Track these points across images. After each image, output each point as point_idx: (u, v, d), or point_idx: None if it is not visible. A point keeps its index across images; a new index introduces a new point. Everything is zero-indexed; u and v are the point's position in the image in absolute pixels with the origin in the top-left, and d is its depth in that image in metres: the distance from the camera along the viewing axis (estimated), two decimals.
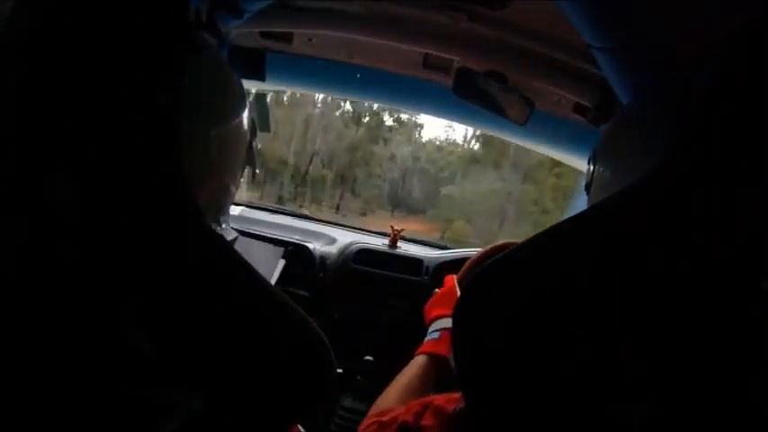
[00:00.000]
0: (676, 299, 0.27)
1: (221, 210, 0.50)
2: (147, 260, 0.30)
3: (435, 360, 0.65)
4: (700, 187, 0.26)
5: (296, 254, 1.30)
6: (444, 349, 0.66)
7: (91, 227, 0.29)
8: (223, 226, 0.51)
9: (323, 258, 1.35)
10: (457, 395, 0.58)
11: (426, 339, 0.69)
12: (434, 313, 0.72)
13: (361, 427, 0.56)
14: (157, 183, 0.30)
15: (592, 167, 0.56)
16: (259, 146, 0.56)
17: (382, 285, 1.33)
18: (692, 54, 0.44)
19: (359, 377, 1.26)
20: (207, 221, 0.32)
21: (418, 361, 0.66)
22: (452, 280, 0.76)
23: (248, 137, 0.50)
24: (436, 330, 0.70)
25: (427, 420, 0.45)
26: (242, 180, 0.54)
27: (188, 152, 0.40)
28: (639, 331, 0.28)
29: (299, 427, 0.57)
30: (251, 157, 0.52)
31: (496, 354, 0.32)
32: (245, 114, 0.48)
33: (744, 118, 0.25)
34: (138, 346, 0.30)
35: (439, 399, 0.47)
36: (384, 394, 0.63)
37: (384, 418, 0.51)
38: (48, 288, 0.29)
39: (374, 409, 0.61)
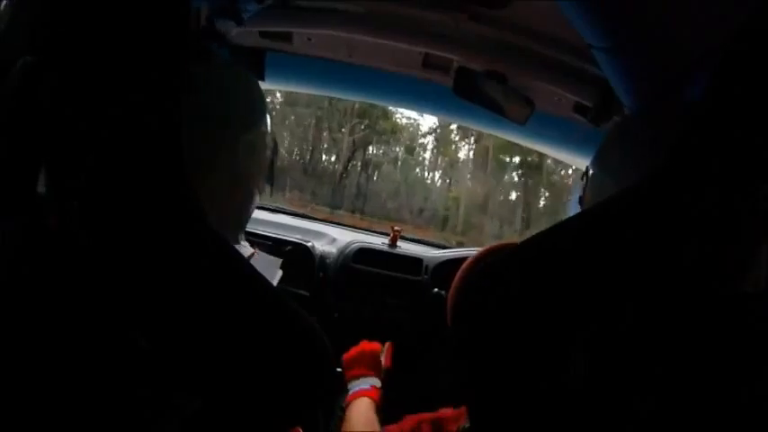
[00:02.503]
0: (675, 299, 0.27)
1: (241, 225, 0.49)
2: (148, 262, 0.30)
3: (375, 403, 0.72)
4: (698, 189, 0.26)
5: (296, 253, 1.30)
6: (378, 397, 0.74)
7: (92, 229, 0.29)
8: (242, 243, 0.50)
9: (323, 258, 1.35)
10: (448, 411, 0.60)
11: (357, 390, 0.75)
12: (358, 372, 0.78)
13: None
14: (160, 186, 0.30)
15: (585, 181, 0.56)
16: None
17: (382, 285, 1.33)
18: (691, 54, 0.44)
19: None
20: (207, 223, 0.32)
21: (365, 401, 0.72)
22: (375, 344, 0.84)
23: (270, 152, 0.49)
24: (366, 384, 0.76)
25: None
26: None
27: (208, 166, 0.41)
28: (639, 331, 0.28)
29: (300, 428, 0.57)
30: (271, 172, 0.51)
31: (498, 354, 0.32)
32: (267, 129, 0.47)
33: (743, 119, 0.25)
34: (139, 347, 0.30)
35: (427, 415, 0.48)
36: (350, 425, 0.67)
37: None
38: (48, 289, 0.29)
39: None
